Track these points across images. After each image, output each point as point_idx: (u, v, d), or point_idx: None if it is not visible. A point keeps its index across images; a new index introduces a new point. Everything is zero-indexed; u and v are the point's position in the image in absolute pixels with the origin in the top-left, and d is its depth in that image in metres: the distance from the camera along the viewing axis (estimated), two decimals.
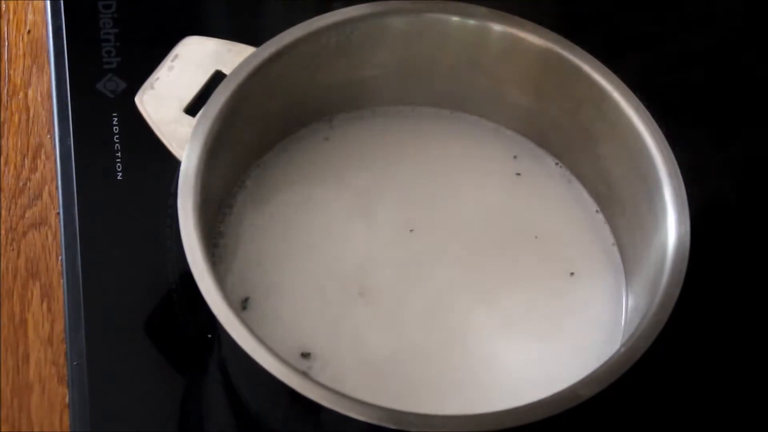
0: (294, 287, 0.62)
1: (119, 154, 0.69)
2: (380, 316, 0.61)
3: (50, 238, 0.67)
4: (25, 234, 0.67)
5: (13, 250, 0.67)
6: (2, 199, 0.68)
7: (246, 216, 0.64)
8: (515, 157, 0.68)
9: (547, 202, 0.66)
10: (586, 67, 0.63)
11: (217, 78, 0.62)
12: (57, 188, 0.68)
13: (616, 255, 0.65)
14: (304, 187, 0.65)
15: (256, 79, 0.61)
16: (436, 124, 0.69)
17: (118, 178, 0.68)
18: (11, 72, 0.73)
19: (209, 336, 0.63)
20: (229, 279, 0.62)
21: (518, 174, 0.67)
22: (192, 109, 0.61)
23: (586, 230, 0.66)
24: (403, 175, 0.66)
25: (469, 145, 0.68)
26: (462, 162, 0.67)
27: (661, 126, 0.61)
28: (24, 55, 0.74)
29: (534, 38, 0.64)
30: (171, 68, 0.62)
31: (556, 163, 0.68)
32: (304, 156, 0.66)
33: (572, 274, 0.64)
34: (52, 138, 0.70)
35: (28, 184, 0.69)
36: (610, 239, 0.65)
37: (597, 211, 0.66)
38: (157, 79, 0.62)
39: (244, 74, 0.61)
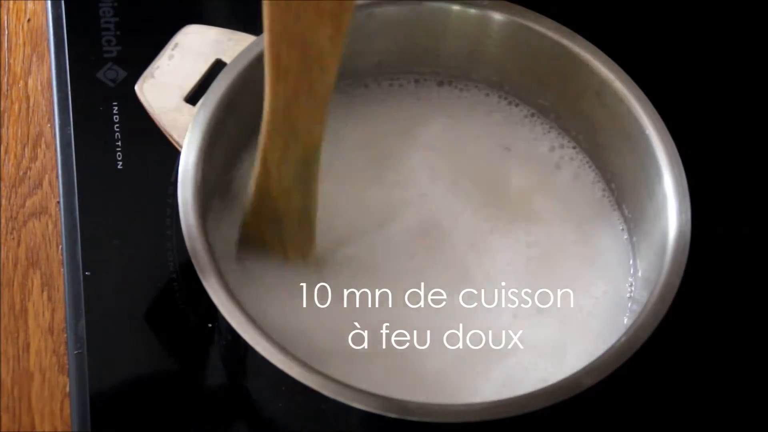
0: None
1: (119, 143, 0.69)
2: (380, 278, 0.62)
3: (50, 227, 0.67)
4: (25, 223, 0.67)
5: (13, 239, 0.67)
6: (2, 188, 0.68)
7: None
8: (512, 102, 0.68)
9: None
10: (587, 56, 0.63)
11: (218, 67, 0.62)
12: (57, 177, 0.68)
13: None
14: None
15: (256, 67, 0.61)
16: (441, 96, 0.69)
17: (119, 167, 0.68)
18: (11, 61, 0.73)
19: (210, 325, 0.63)
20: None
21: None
22: (192, 98, 0.61)
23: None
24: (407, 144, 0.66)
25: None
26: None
27: (662, 115, 0.61)
28: (24, 43, 0.73)
29: (535, 27, 0.63)
30: (171, 57, 0.62)
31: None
32: None
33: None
34: (53, 127, 0.70)
35: (29, 173, 0.69)
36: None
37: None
38: (158, 68, 0.62)
39: (244, 63, 0.61)
